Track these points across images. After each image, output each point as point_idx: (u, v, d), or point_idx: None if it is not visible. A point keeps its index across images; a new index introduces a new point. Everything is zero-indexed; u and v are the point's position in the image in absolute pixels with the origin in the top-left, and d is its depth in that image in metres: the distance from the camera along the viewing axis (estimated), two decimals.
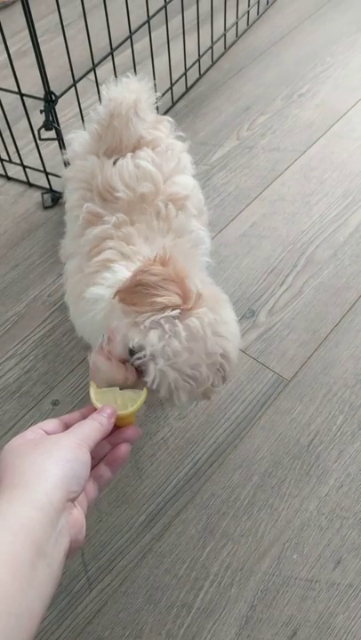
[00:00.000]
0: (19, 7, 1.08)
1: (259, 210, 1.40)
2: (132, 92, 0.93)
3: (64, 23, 1.21)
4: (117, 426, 0.62)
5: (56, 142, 1.30)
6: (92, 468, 0.56)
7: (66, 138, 1.03)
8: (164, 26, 1.47)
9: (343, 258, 1.31)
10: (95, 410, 0.61)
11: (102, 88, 0.95)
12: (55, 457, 0.50)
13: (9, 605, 0.41)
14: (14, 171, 1.49)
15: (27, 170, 1.45)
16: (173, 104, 1.63)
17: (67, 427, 0.59)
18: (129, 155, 0.91)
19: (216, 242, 1.34)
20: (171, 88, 1.60)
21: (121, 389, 0.67)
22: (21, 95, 1.27)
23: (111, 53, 1.34)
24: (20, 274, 1.30)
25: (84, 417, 0.60)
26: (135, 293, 0.69)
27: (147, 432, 1.08)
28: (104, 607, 0.92)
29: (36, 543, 0.44)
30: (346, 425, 1.08)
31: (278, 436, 1.07)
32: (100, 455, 0.60)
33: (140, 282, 0.69)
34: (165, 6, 1.46)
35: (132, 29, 1.38)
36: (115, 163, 0.92)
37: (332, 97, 1.66)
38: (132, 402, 0.65)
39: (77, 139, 1.02)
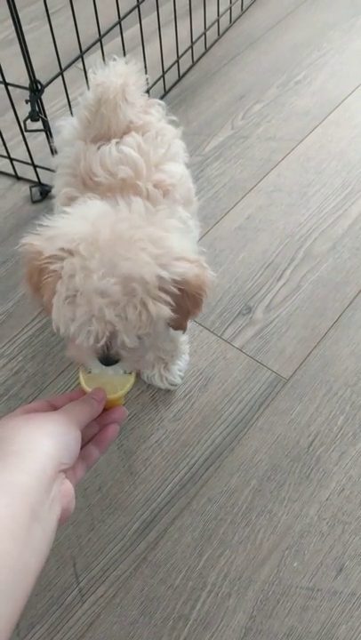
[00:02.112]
0: None
1: (255, 202, 1.36)
2: (119, 76, 0.87)
3: (52, 10, 1.16)
4: (106, 408, 0.64)
5: (44, 134, 1.26)
6: (81, 447, 0.57)
7: (55, 125, 0.98)
8: (155, 12, 1.42)
9: (342, 251, 1.26)
10: (84, 393, 0.64)
11: (89, 73, 0.91)
12: (48, 430, 0.53)
13: (8, 561, 0.43)
14: (1, 164, 1.44)
15: (14, 163, 1.40)
16: (166, 93, 1.58)
17: (54, 408, 0.61)
18: (114, 141, 0.87)
19: (211, 235, 1.30)
20: (163, 76, 1.54)
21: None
22: (6, 85, 1.22)
23: (99, 40, 1.29)
24: (7, 271, 1.26)
25: (72, 399, 0.63)
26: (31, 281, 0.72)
27: (140, 435, 1.04)
28: (97, 620, 0.88)
29: (31, 507, 0.46)
30: (347, 425, 1.04)
31: (277, 438, 1.03)
32: (88, 435, 0.62)
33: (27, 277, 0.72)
34: None
35: (122, 15, 1.33)
36: (99, 148, 0.87)
37: (329, 84, 1.61)
38: (120, 385, 0.66)
39: (67, 126, 0.97)
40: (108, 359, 0.69)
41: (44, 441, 0.51)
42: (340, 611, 0.88)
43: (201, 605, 0.89)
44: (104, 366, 0.70)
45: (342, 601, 0.89)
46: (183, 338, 1.06)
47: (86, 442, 0.62)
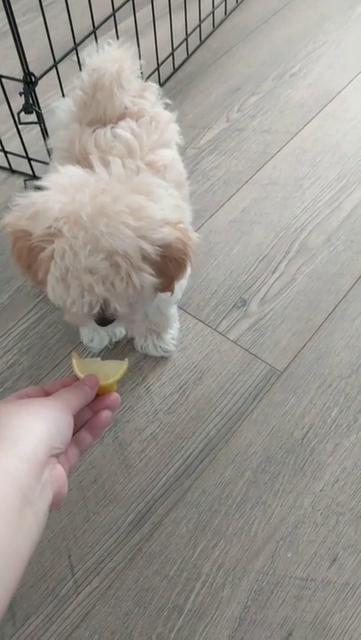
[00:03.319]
0: None
1: (250, 194, 1.36)
2: (114, 62, 0.87)
3: (46, 2, 1.16)
4: (99, 394, 0.64)
5: (38, 127, 1.25)
6: (74, 433, 0.58)
7: (51, 105, 0.99)
8: (150, 4, 1.42)
9: (337, 243, 1.26)
10: (77, 380, 0.64)
11: (84, 55, 0.90)
12: (40, 415, 0.53)
13: (0, 544, 0.43)
14: None
15: (8, 156, 1.40)
16: (161, 85, 1.57)
17: (47, 394, 0.62)
18: (109, 126, 0.88)
19: (206, 228, 1.30)
20: (158, 69, 1.54)
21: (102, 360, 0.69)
22: None
23: (94, 32, 1.29)
24: (2, 264, 1.26)
25: (65, 385, 0.63)
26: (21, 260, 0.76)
27: (135, 427, 1.04)
28: (92, 611, 0.89)
29: (23, 491, 0.47)
30: (341, 417, 1.04)
31: (271, 430, 1.04)
32: (81, 421, 0.62)
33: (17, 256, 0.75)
34: None
35: (116, 7, 1.32)
36: (94, 131, 0.88)
37: (324, 76, 1.60)
38: (113, 371, 0.66)
39: (61, 106, 0.98)
40: (103, 320, 0.75)
41: (37, 426, 0.52)
42: (334, 600, 0.89)
43: (195, 596, 0.90)
44: (101, 326, 0.77)
45: (336, 591, 0.89)
46: (173, 310, 1.08)
47: (79, 427, 0.62)
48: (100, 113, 0.87)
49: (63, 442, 0.54)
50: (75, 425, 0.57)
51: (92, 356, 1.12)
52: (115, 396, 0.65)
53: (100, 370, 0.66)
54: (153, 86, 0.98)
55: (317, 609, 0.88)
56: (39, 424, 0.52)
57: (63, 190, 0.71)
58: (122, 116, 0.89)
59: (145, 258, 0.71)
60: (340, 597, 0.89)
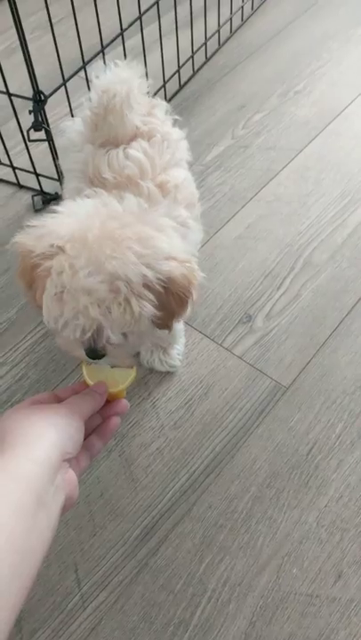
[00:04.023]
0: (7, 4, 1.04)
1: (255, 211, 1.37)
2: (123, 83, 0.89)
3: (55, 20, 1.18)
4: (108, 400, 0.66)
5: (46, 143, 1.27)
6: (85, 438, 0.60)
7: (60, 126, 1.01)
8: (157, 22, 1.44)
9: (341, 260, 1.28)
10: (87, 386, 0.66)
11: (92, 77, 0.92)
12: (52, 421, 0.55)
13: (15, 544, 0.45)
14: (4, 172, 1.45)
15: (16, 171, 1.41)
16: (167, 102, 1.59)
17: (59, 400, 0.63)
18: (122, 147, 0.90)
19: (211, 244, 1.31)
20: (164, 86, 1.56)
21: (112, 367, 0.71)
22: (9, 95, 1.23)
23: (102, 51, 1.31)
24: (10, 278, 1.27)
25: (76, 391, 0.65)
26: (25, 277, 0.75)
27: (141, 442, 1.05)
28: (98, 625, 0.89)
29: (37, 494, 0.48)
30: (345, 433, 1.05)
31: (276, 446, 1.04)
32: (92, 427, 0.64)
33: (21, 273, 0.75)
34: (158, 2, 1.42)
35: (124, 26, 1.34)
36: (107, 152, 0.90)
37: (328, 94, 1.62)
38: (122, 379, 0.68)
39: (72, 127, 0.99)
40: (94, 352, 0.72)
41: (50, 431, 0.53)
42: (339, 617, 0.89)
43: (201, 611, 0.90)
44: (90, 359, 0.73)
45: (341, 607, 0.90)
46: (180, 326, 1.09)
47: (89, 433, 0.63)
48: (113, 135, 0.89)
49: (75, 447, 0.56)
50: (85, 430, 0.59)
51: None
52: (123, 402, 0.68)
53: (108, 377, 0.68)
54: (162, 104, 0.99)
55: (322, 626, 0.89)
56: (52, 430, 0.54)
57: (74, 215, 0.73)
58: (133, 137, 0.91)
59: (147, 286, 0.69)
60: (344, 614, 0.90)
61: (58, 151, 1.02)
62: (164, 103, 1.00)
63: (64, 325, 0.70)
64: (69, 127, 0.99)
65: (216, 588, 0.92)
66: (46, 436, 0.53)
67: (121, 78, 0.90)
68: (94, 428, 0.65)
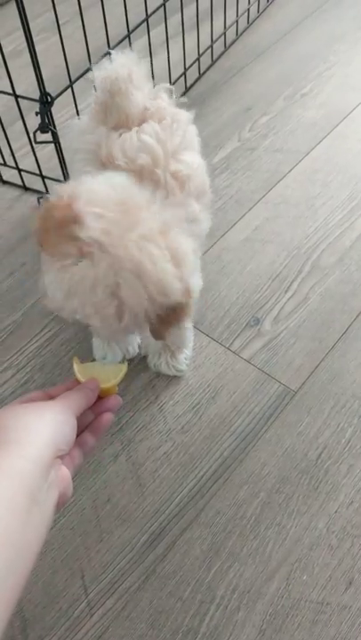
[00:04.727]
0: (14, 5, 1.03)
1: (262, 213, 1.36)
2: (122, 66, 0.90)
3: (61, 22, 1.17)
4: (100, 397, 0.66)
5: (53, 145, 1.26)
6: (77, 435, 0.60)
7: (65, 124, 1.01)
8: (163, 24, 1.43)
9: (350, 263, 1.27)
10: (78, 383, 0.66)
11: (93, 71, 0.92)
12: (45, 418, 0.55)
13: (9, 539, 0.46)
14: (9, 174, 1.44)
15: (22, 173, 1.40)
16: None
17: (51, 398, 0.63)
18: (134, 129, 0.89)
19: (218, 247, 1.30)
20: (170, 88, 1.55)
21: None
22: (16, 97, 1.23)
23: (109, 53, 1.30)
24: (15, 281, 1.26)
25: (67, 389, 0.65)
26: (42, 235, 0.72)
27: (149, 447, 1.04)
28: (105, 633, 0.88)
29: (30, 490, 0.49)
30: (355, 438, 1.04)
31: (285, 451, 1.03)
32: (84, 424, 0.65)
33: (43, 225, 0.71)
34: (164, 4, 1.42)
35: (131, 28, 1.34)
36: (120, 135, 0.89)
37: (335, 96, 1.62)
38: (113, 375, 0.69)
39: (77, 123, 1.00)
40: None
41: (42, 428, 0.54)
42: (350, 625, 0.88)
43: (210, 619, 0.89)
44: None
45: (352, 615, 0.89)
46: (189, 331, 1.09)
47: (82, 430, 0.64)
48: (123, 116, 0.89)
49: (67, 443, 0.56)
50: (77, 427, 0.59)
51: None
52: (116, 398, 0.68)
53: (100, 373, 0.68)
54: (165, 86, 0.99)
55: (333, 634, 0.87)
56: (44, 426, 0.54)
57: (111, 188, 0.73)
58: (143, 118, 0.91)
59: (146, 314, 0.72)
60: (355, 622, 0.88)
61: (65, 135, 1.01)
62: (167, 85, 0.99)
63: (60, 306, 0.72)
64: (75, 124, 0.99)
65: (225, 595, 0.91)
66: (39, 432, 0.53)
67: (119, 63, 0.91)
68: (86, 425, 0.65)
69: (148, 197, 0.76)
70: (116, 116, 0.90)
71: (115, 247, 0.67)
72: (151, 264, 0.69)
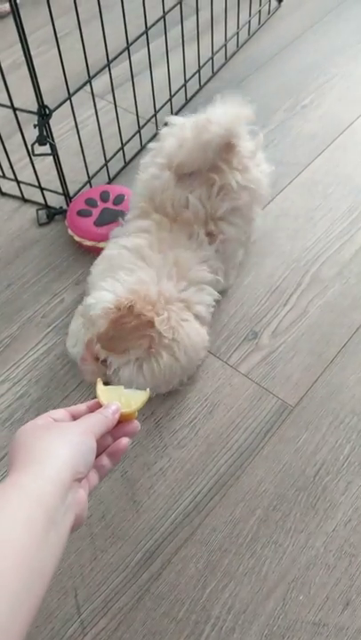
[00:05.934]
0: (12, 18, 1.03)
1: (261, 226, 1.35)
2: (222, 128, 1.07)
3: (62, 34, 1.17)
4: (120, 421, 0.67)
5: (51, 157, 1.26)
6: (95, 457, 0.60)
7: (161, 132, 1.17)
8: (163, 36, 1.43)
9: (349, 276, 1.26)
10: (101, 405, 0.66)
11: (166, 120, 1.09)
12: (66, 440, 0.55)
13: (26, 560, 0.45)
14: (8, 186, 1.44)
15: (21, 185, 1.40)
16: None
17: (73, 417, 0.64)
18: (188, 189, 1.07)
19: None
20: (170, 100, 1.55)
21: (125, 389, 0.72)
22: (14, 109, 1.22)
23: (108, 65, 1.30)
24: (13, 294, 1.25)
25: (90, 409, 0.66)
26: (111, 341, 0.94)
27: (144, 463, 1.03)
28: None
29: (48, 512, 0.49)
30: (353, 455, 1.03)
31: (283, 467, 1.02)
32: (102, 447, 0.64)
33: (114, 332, 0.93)
34: (164, 16, 1.42)
35: (130, 40, 1.33)
36: (177, 184, 1.07)
37: (336, 108, 1.61)
38: (134, 400, 0.68)
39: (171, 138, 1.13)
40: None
41: (62, 450, 0.54)
42: None
43: None
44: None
45: (349, 637, 0.87)
46: None
47: (99, 453, 0.64)
48: (197, 168, 1.07)
49: (86, 466, 0.56)
50: (96, 450, 0.60)
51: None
52: (135, 423, 0.68)
53: (122, 397, 0.68)
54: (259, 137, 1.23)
55: None
56: (65, 448, 0.54)
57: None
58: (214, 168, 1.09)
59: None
60: None
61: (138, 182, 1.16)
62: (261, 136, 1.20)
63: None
64: (177, 125, 1.14)
65: (220, 615, 0.89)
66: (60, 454, 0.53)
67: (222, 123, 1.07)
68: (105, 448, 0.65)
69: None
70: (190, 165, 1.06)
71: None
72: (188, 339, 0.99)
